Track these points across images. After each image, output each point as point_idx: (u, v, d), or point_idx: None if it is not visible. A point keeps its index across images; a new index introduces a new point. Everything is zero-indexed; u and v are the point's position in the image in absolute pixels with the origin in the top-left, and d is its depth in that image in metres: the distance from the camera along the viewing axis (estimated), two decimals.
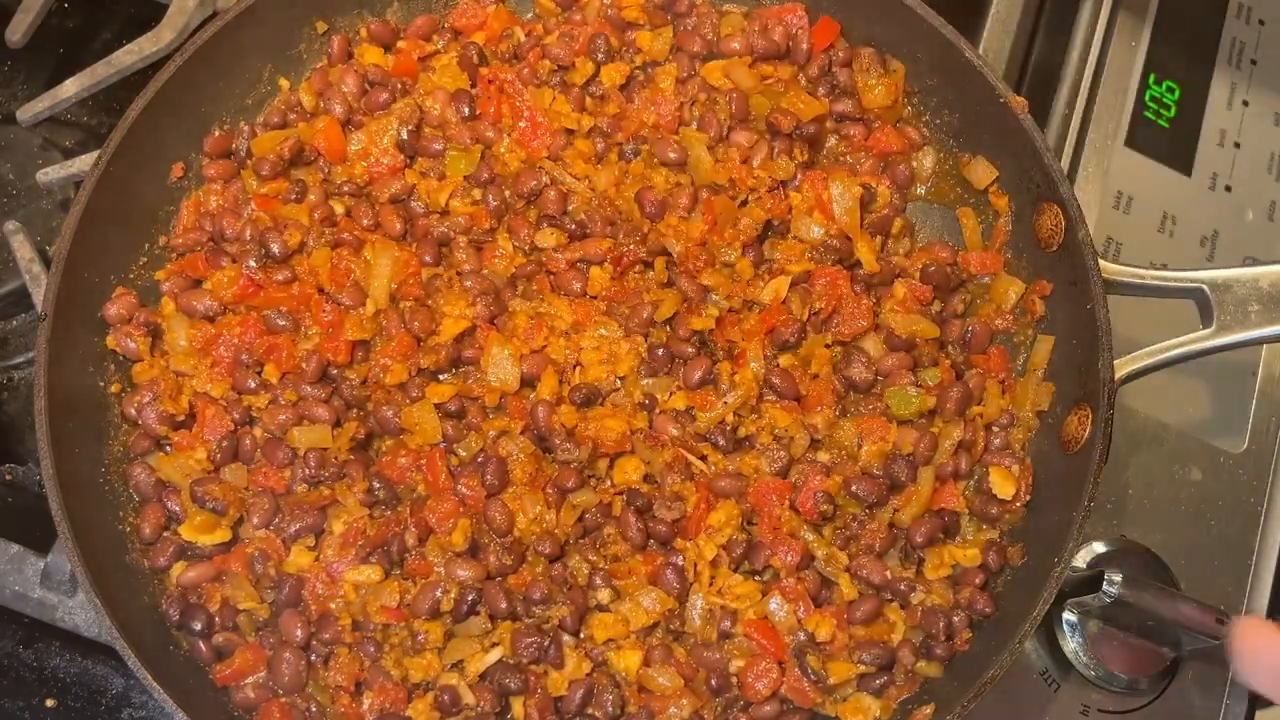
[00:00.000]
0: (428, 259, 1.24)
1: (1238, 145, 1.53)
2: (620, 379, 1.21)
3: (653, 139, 1.30)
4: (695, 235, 1.25)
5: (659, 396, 1.21)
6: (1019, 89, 1.51)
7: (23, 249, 1.34)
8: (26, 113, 1.42)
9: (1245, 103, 1.55)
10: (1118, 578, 1.22)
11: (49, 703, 1.26)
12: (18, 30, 1.47)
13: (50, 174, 1.38)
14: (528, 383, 1.21)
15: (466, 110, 1.30)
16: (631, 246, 1.25)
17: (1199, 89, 1.54)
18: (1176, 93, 1.53)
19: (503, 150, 1.29)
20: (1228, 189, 1.51)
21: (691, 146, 1.29)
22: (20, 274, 1.35)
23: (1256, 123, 1.54)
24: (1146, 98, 1.52)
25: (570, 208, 1.28)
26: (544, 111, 1.29)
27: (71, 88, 1.41)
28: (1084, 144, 1.48)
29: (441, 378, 1.22)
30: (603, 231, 1.26)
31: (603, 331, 1.22)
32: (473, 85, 1.32)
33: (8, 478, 1.35)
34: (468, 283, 1.23)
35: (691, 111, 1.32)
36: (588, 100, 1.31)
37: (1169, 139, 1.51)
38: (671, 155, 1.29)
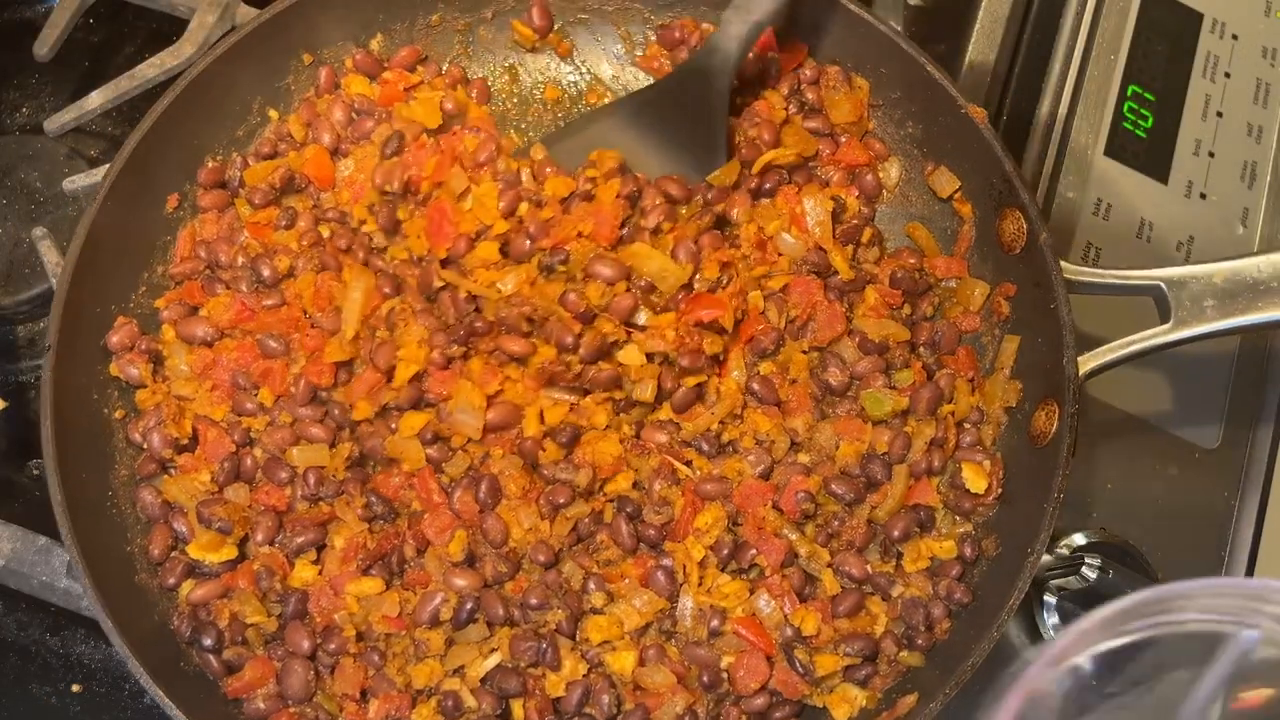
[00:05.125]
0: (387, 290, 1.24)
1: (1212, 155, 1.58)
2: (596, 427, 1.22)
3: (580, 254, 1.19)
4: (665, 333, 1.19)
5: (644, 419, 1.24)
6: (1003, 100, 1.56)
7: (50, 253, 1.37)
8: (53, 123, 1.45)
9: (1219, 114, 1.60)
10: (1095, 560, 1.27)
11: (75, 688, 1.30)
12: (45, 44, 1.50)
13: (76, 182, 1.41)
14: (498, 429, 1.20)
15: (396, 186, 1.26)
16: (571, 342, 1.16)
17: (1175, 101, 1.60)
18: (1153, 104, 1.58)
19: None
20: (1203, 196, 1.55)
21: (645, 261, 1.19)
22: (48, 277, 1.38)
23: (1230, 133, 1.59)
24: (1125, 109, 1.57)
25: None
26: (456, 210, 1.22)
27: (96, 100, 1.45)
28: (1065, 153, 1.53)
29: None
30: (522, 329, 1.19)
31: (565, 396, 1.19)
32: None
33: (34, 473, 1.38)
34: (422, 322, 1.21)
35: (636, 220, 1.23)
36: (523, 205, 1.23)
37: (1146, 149, 1.56)
38: (608, 272, 1.18)
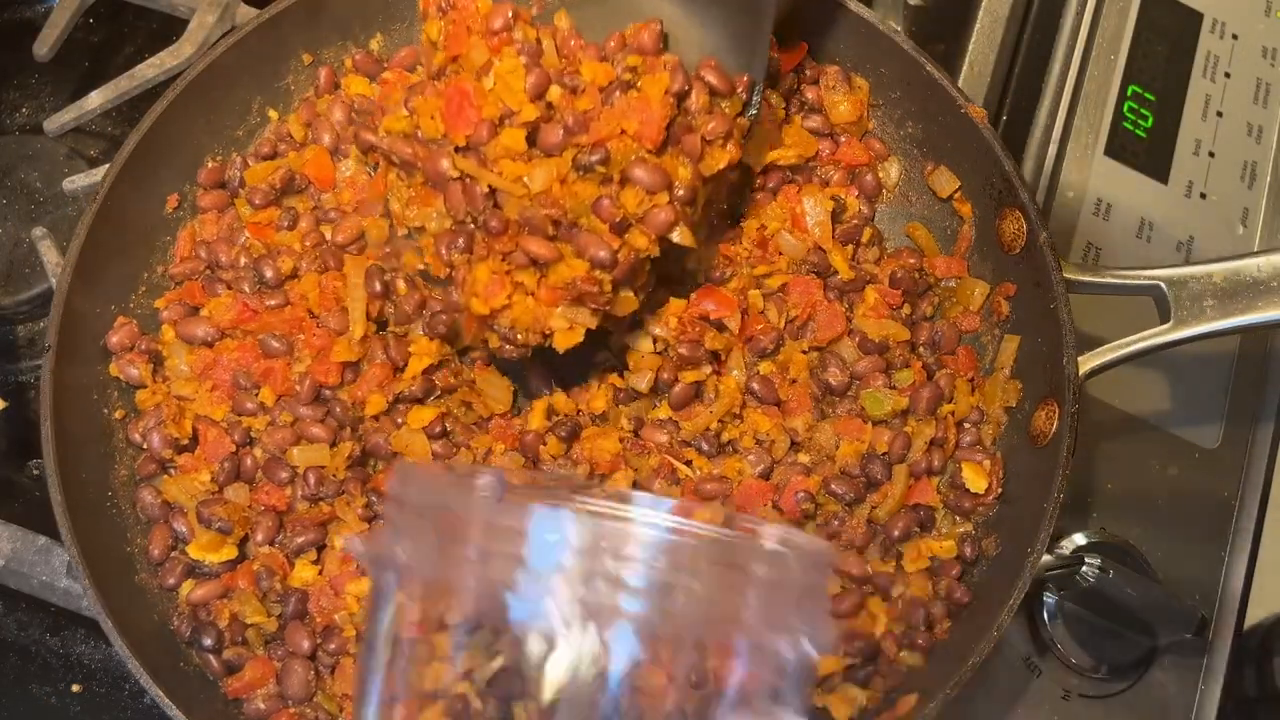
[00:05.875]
0: (377, 287, 1.21)
1: (1212, 155, 1.58)
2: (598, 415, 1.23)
3: (621, 154, 1.07)
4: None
5: (645, 417, 1.24)
6: (1003, 100, 1.56)
7: (50, 253, 1.38)
8: (53, 124, 1.46)
9: (1219, 114, 1.60)
10: (1096, 561, 1.27)
11: (75, 688, 1.30)
12: (45, 44, 1.51)
13: (76, 182, 1.42)
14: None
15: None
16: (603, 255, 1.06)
17: (1175, 101, 1.60)
18: (1153, 104, 1.58)
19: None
20: (1203, 196, 1.56)
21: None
22: (48, 277, 1.39)
23: (1230, 133, 1.60)
24: (1125, 109, 1.57)
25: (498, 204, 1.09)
26: (478, 90, 1.06)
27: (96, 100, 1.46)
28: (1065, 153, 1.54)
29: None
30: (547, 233, 1.07)
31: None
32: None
33: (35, 473, 1.39)
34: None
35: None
36: (554, 90, 1.08)
37: (1146, 149, 1.56)
38: (648, 179, 1.07)
